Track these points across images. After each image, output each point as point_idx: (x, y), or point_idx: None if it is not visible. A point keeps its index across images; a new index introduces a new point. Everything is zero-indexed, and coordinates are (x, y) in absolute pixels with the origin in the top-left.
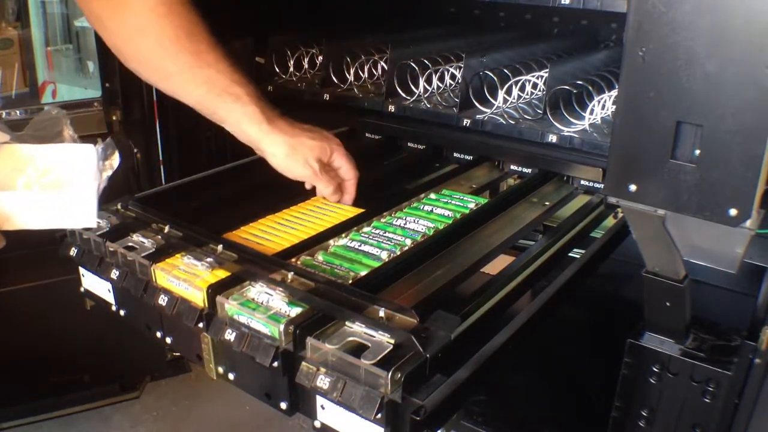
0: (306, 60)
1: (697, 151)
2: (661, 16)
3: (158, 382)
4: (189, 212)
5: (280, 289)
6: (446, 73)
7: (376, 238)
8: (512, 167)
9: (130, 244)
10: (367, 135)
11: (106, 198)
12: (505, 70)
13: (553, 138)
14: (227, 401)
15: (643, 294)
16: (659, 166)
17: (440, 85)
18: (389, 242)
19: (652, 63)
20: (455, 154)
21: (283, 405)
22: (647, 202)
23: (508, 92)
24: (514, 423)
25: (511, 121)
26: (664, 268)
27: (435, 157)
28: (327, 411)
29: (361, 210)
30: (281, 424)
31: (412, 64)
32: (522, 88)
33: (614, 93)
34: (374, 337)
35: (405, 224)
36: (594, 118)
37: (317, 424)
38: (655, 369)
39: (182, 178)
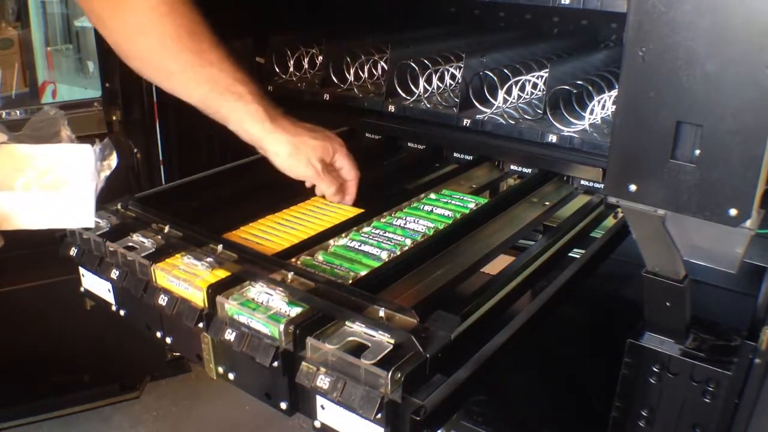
0: (306, 60)
1: (697, 151)
2: (661, 16)
3: (158, 382)
4: (189, 212)
5: (280, 289)
6: (446, 73)
7: (376, 238)
8: (512, 167)
9: (130, 244)
10: (367, 135)
11: (106, 198)
12: (505, 70)
13: (553, 138)
14: (227, 401)
15: (643, 294)
16: (659, 166)
17: (440, 85)
18: (389, 242)
19: (652, 63)
20: (455, 154)
21: (283, 405)
22: (647, 202)
23: (508, 92)
24: (514, 423)
25: (511, 121)
26: (664, 268)
27: (435, 157)
28: (327, 411)
29: (361, 210)
30: (281, 424)
31: (412, 64)
32: (522, 88)
33: (614, 93)
34: (374, 337)
35: (405, 224)
36: (594, 118)
37: (317, 424)
38: (655, 369)
39: (182, 178)
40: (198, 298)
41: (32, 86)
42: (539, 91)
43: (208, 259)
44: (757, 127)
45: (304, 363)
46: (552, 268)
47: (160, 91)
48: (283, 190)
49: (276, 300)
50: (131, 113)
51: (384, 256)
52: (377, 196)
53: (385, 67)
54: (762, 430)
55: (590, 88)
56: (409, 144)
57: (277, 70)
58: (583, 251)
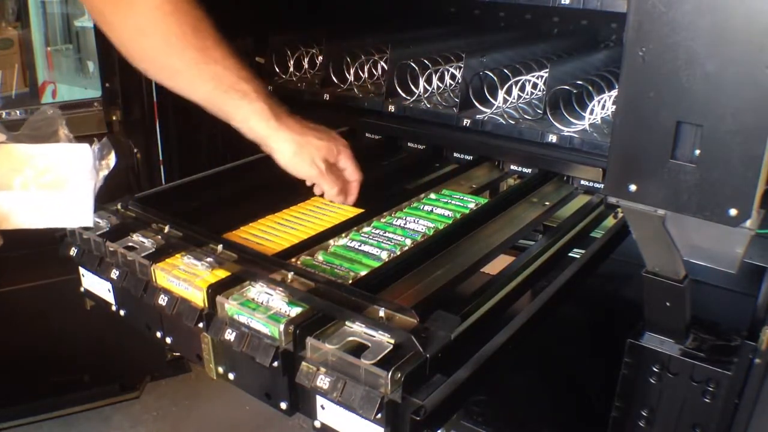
0: (306, 60)
1: (697, 151)
2: (661, 16)
3: (158, 382)
4: (189, 212)
5: (280, 289)
6: (446, 73)
7: (376, 238)
8: (512, 167)
9: (130, 244)
10: (367, 135)
11: (106, 198)
12: (505, 70)
13: (553, 138)
14: (227, 401)
15: (643, 294)
16: (659, 166)
17: (440, 85)
18: (389, 242)
19: (652, 63)
20: (455, 154)
21: (283, 405)
22: (647, 202)
23: (508, 92)
24: (514, 423)
25: (511, 121)
26: (664, 268)
27: (435, 157)
28: (327, 411)
29: (361, 210)
30: (281, 424)
31: (412, 64)
32: (522, 88)
33: (614, 93)
34: (374, 337)
35: (405, 224)
36: (594, 118)
37: (317, 424)
38: (655, 369)
39: (182, 178)
40: (198, 298)
41: (32, 86)
42: (539, 91)
43: (208, 259)
44: (757, 127)
45: (304, 363)
46: (552, 268)
47: (160, 91)
48: (283, 190)
49: (276, 300)
50: (131, 113)
51: (384, 256)
52: (377, 196)
53: (385, 67)
54: (762, 430)
55: (590, 88)
56: (409, 144)
57: (277, 70)
58: (583, 251)
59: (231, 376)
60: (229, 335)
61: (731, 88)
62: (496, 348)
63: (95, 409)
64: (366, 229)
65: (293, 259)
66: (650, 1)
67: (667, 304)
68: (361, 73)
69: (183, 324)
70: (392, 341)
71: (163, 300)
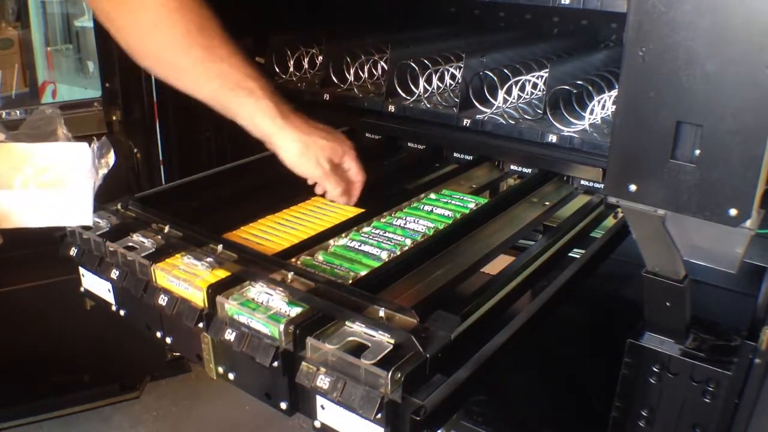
0: (306, 60)
1: (697, 151)
2: (661, 16)
3: (158, 382)
4: (189, 212)
5: (280, 289)
6: (446, 73)
7: (376, 238)
8: (512, 167)
9: (130, 244)
10: (367, 135)
11: (106, 198)
12: (505, 70)
13: (553, 138)
14: (227, 401)
15: (643, 294)
16: (659, 166)
17: (440, 85)
18: (389, 242)
19: (652, 63)
20: (455, 154)
21: (283, 405)
22: (647, 202)
23: (508, 92)
24: (514, 423)
25: (511, 121)
26: (664, 268)
27: (435, 157)
28: (327, 411)
29: (361, 210)
30: (281, 424)
31: (412, 64)
32: (522, 88)
33: (614, 93)
34: (374, 337)
35: (405, 224)
36: (594, 118)
37: (317, 424)
38: (655, 369)
39: (182, 178)
40: (198, 298)
41: (32, 86)
42: (539, 91)
43: (208, 259)
44: (757, 127)
45: (304, 363)
46: (552, 268)
47: (160, 91)
48: (283, 190)
49: (276, 300)
50: (131, 113)
51: (384, 256)
52: (377, 196)
53: (385, 67)
54: (762, 430)
55: (590, 88)
56: (409, 144)
57: (277, 70)
58: (583, 251)
59: (231, 376)
60: (229, 335)
61: (731, 88)
62: (496, 348)
63: (95, 409)
64: (366, 229)
65: (293, 259)
66: (650, 1)
67: (667, 304)
68: (361, 73)
69: (183, 324)
70: (392, 341)
71: (163, 300)
